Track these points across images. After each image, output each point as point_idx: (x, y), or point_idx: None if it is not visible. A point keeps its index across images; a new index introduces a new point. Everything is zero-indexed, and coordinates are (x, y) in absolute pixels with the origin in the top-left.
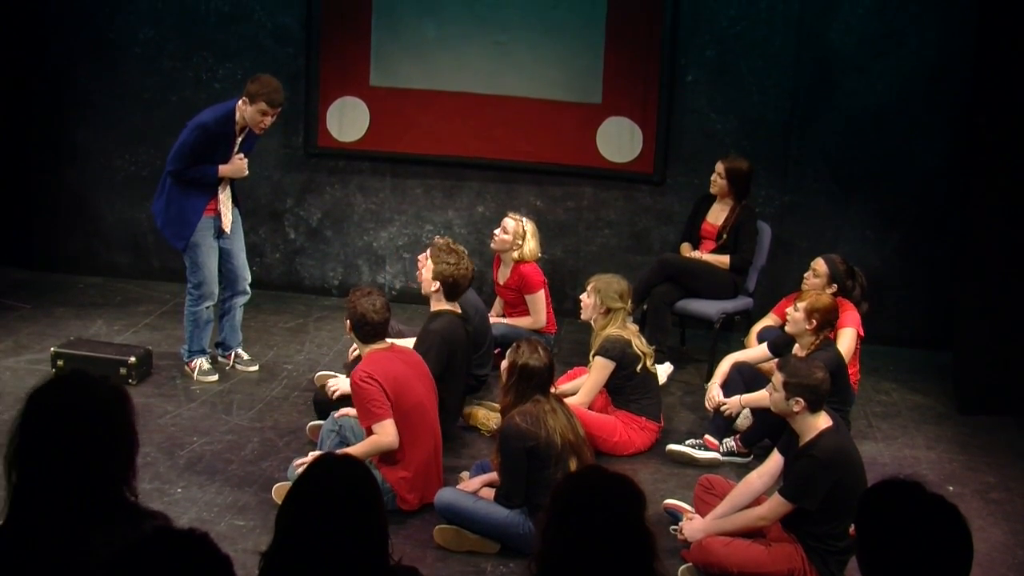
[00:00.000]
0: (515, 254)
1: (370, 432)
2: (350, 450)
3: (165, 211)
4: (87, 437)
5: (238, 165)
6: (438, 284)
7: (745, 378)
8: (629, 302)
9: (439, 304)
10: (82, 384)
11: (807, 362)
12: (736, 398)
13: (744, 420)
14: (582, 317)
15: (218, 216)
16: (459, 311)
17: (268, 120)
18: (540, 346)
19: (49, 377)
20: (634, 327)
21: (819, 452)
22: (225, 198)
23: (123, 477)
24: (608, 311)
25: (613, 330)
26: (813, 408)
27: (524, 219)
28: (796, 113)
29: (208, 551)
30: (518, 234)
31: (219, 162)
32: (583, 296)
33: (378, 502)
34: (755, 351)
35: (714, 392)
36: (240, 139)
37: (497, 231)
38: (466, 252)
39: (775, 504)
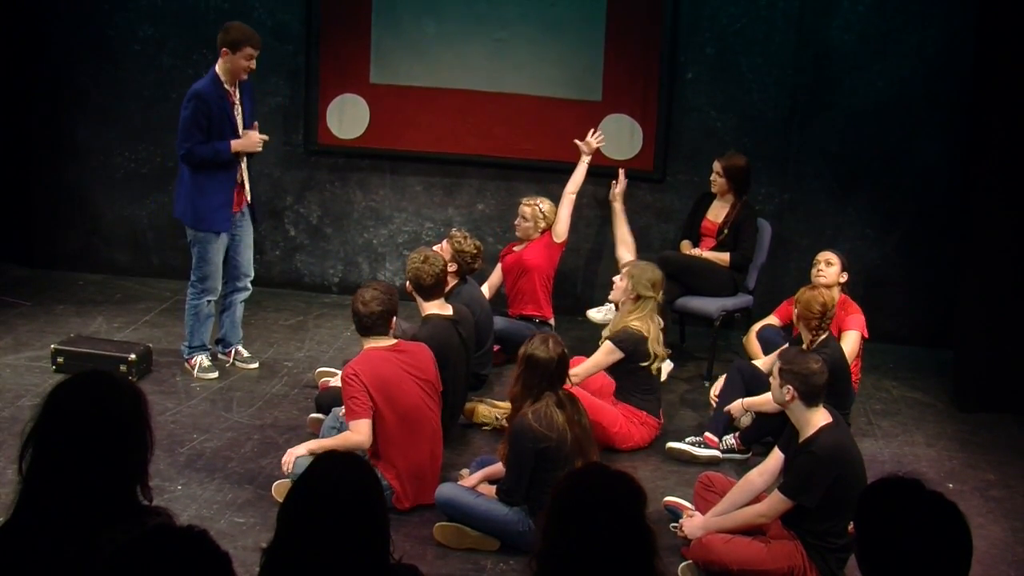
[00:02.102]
0: (538, 234)
1: None
2: (321, 442)
3: (190, 206)
4: (106, 438)
5: (252, 138)
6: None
7: (746, 379)
8: (660, 293)
9: (432, 304)
10: (105, 384)
11: (806, 354)
12: (739, 402)
13: (748, 420)
14: (610, 298)
15: (240, 212)
16: (449, 313)
17: (253, 64)
18: (552, 339)
19: (71, 375)
20: (660, 322)
21: (818, 449)
22: (243, 177)
23: (136, 479)
24: (638, 298)
25: (637, 322)
26: (806, 400)
27: (537, 202)
28: (796, 111)
29: (207, 548)
30: (536, 217)
31: (228, 137)
32: (616, 278)
33: (380, 500)
34: (770, 359)
35: (716, 390)
36: (238, 102)
37: (517, 220)
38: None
39: (775, 501)
